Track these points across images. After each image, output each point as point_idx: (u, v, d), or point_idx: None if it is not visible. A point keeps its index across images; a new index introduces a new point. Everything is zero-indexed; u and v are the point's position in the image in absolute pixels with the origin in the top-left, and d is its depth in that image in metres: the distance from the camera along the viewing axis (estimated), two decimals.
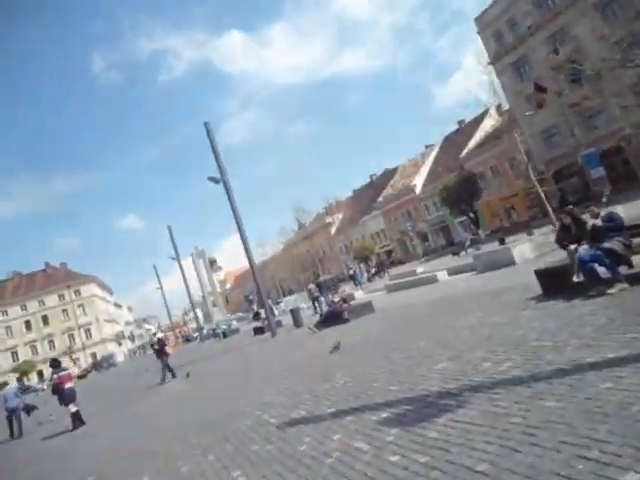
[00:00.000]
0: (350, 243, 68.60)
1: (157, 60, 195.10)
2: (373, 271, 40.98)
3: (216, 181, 17.40)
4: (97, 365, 52.69)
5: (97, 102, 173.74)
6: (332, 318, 13.07)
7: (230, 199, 17.27)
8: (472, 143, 51.96)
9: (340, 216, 77.86)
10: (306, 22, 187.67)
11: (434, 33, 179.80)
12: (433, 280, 15.67)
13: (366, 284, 32.67)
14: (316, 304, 21.31)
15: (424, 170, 60.15)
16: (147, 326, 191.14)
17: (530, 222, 36.26)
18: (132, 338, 77.98)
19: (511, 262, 12.64)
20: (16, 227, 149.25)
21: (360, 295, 20.68)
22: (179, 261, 32.44)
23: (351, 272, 35.41)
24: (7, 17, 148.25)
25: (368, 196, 71.70)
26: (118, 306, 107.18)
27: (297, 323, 16.37)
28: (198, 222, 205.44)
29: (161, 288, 42.66)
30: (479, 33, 44.50)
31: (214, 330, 33.81)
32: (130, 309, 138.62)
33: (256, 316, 40.61)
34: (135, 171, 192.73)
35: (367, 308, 12.87)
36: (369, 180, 77.22)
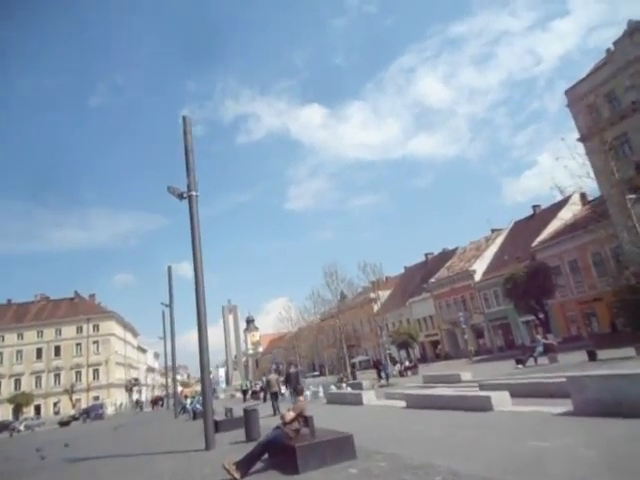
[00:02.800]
0: (393, 325, 60.77)
1: (239, 122, 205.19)
2: (407, 364, 33.14)
3: (180, 195, 11.99)
4: (86, 413, 46.93)
5: (179, 152, 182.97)
6: (273, 453, 6.69)
7: (192, 222, 11.70)
8: (548, 232, 44.49)
9: (387, 293, 70.68)
10: (385, 103, 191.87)
11: (511, 129, 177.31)
12: (485, 405, 8.82)
13: (394, 379, 25.36)
14: (275, 404, 15.94)
15: (487, 255, 52.71)
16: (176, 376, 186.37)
17: (622, 335, 27.73)
18: (130, 387, 71.72)
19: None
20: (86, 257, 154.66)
21: (368, 399, 13.76)
22: (171, 308, 26.89)
23: (380, 358, 28.08)
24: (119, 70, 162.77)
25: (420, 276, 64.55)
26: (142, 350, 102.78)
27: (249, 434, 9.92)
28: (250, 280, 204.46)
29: (164, 338, 36.78)
30: (569, 106, 38.71)
31: (185, 405, 26.99)
32: (157, 355, 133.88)
33: (245, 393, 33.83)
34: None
35: (344, 447, 6.32)
36: (424, 259, 70.28)
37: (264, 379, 26.64)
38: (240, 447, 8.69)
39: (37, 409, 63.88)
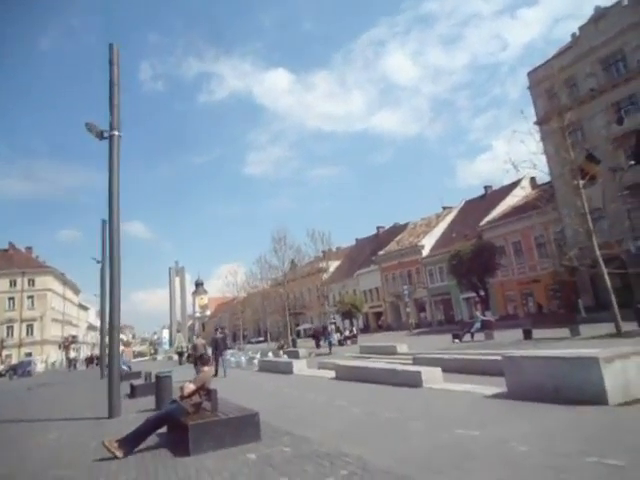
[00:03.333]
0: (340, 294, 60.93)
1: (201, 81, 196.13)
2: (347, 333, 33.08)
3: (100, 134, 10.48)
4: (13, 369, 44.46)
5: (136, 107, 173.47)
6: (171, 428, 5.82)
7: (111, 166, 10.27)
8: (496, 212, 45.27)
9: (337, 263, 70.71)
10: (352, 75, 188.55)
11: (471, 112, 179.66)
12: (415, 381, 8.27)
13: (334, 348, 25.09)
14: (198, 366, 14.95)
15: (436, 232, 53.34)
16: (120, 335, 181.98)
17: (557, 316, 28.63)
18: (66, 345, 68.60)
19: (601, 389, 5.35)
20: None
21: (299, 368, 13.14)
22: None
23: (325, 326, 27.72)
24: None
25: (370, 249, 64.77)
26: (83, 308, 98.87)
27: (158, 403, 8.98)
28: (203, 244, 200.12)
29: (101, 295, 34.81)
30: (530, 88, 38.81)
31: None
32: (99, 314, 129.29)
33: (180, 355, 32.85)
34: (150, 180, 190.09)
35: (248, 426, 5.50)
36: (375, 232, 70.50)
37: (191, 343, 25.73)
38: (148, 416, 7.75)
39: None
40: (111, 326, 9.73)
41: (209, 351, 16.51)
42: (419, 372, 8.24)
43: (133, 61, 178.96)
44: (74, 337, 79.41)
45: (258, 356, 22.84)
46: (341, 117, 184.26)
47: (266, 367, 15.54)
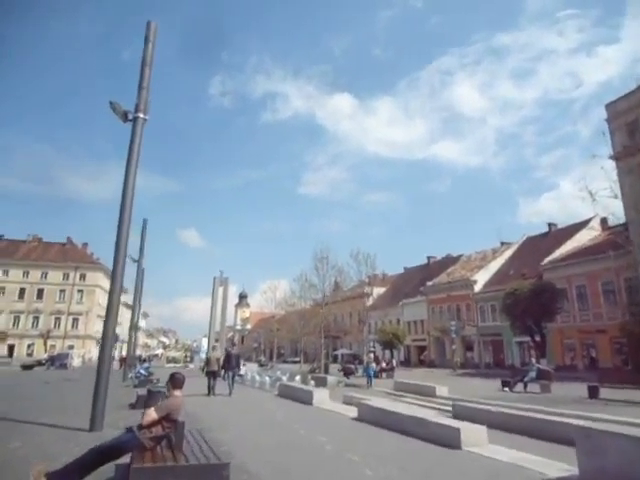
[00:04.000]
0: (382, 323, 58.42)
1: (266, 100, 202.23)
2: (384, 365, 30.70)
3: (124, 115, 9.61)
4: (52, 360, 45.39)
5: (203, 119, 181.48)
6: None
7: (131, 149, 9.32)
8: (560, 252, 41.73)
9: (382, 291, 68.27)
10: (416, 103, 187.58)
11: (538, 149, 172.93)
12: (452, 440, 6.48)
13: (362, 380, 23.01)
14: (211, 384, 14.76)
15: (492, 267, 50.06)
16: (163, 338, 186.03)
17: (622, 374, 25.18)
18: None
19: None
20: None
21: (320, 400, 11.46)
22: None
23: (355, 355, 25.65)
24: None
25: (419, 279, 62.01)
26: (128, 307, 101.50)
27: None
28: (251, 258, 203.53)
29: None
30: (608, 121, 35.72)
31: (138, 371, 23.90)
32: (145, 315, 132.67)
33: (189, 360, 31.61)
34: (209, 190, 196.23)
35: (214, 477, 4.01)
36: (426, 261, 67.68)
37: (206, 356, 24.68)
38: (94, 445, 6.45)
39: (11, 348, 62.61)
40: (105, 331, 8.61)
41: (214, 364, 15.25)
42: (458, 430, 6.44)
43: (207, 75, 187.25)
44: (116, 335, 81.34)
45: (284, 378, 21.33)
46: (401, 144, 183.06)
47: (285, 393, 13.98)
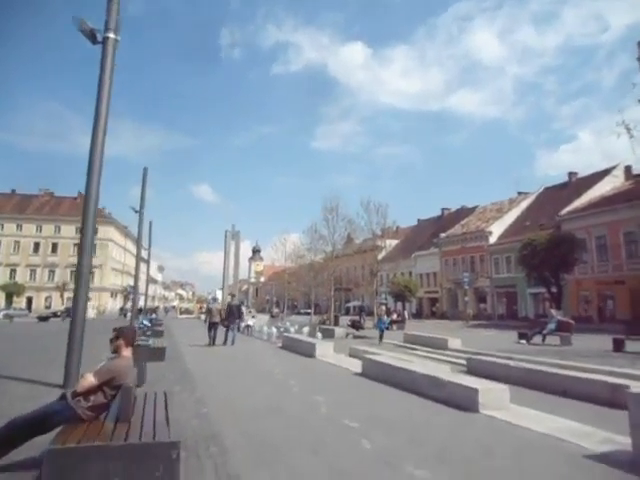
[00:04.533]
0: (394, 275, 57.74)
1: (278, 51, 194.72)
2: (394, 317, 30.09)
3: (92, 35, 8.31)
4: (67, 312, 45.98)
5: (213, 73, 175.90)
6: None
7: (102, 76, 8.09)
8: (580, 202, 39.94)
9: (394, 242, 67.16)
10: (432, 51, 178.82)
11: (558, 99, 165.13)
12: (469, 401, 5.57)
13: (373, 331, 22.39)
14: (212, 335, 14.49)
15: (508, 218, 48.46)
16: (180, 291, 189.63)
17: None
18: (127, 294, 70.56)
19: None
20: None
21: (323, 353, 10.72)
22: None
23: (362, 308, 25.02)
24: None
25: (432, 231, 60.68)
26: (144, 260, 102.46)
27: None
28: (264, 213, 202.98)
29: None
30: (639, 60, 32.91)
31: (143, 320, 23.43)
32: (161, 269, 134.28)
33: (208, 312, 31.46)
34: (223, 146, 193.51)
35: (159, 460, 3.09)
36: (439, 213, 66.08)
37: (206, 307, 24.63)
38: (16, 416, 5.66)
39: (29, 301, 63.88)
40: (79, 269, 7.77)
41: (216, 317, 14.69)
42: (476, 390, 5.51)
43: (215, 25, 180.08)
44: (132, 287, 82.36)
45: (293, 330, 20.81)
46: (417, 95, 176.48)
47: (289, 345, 13.31)
